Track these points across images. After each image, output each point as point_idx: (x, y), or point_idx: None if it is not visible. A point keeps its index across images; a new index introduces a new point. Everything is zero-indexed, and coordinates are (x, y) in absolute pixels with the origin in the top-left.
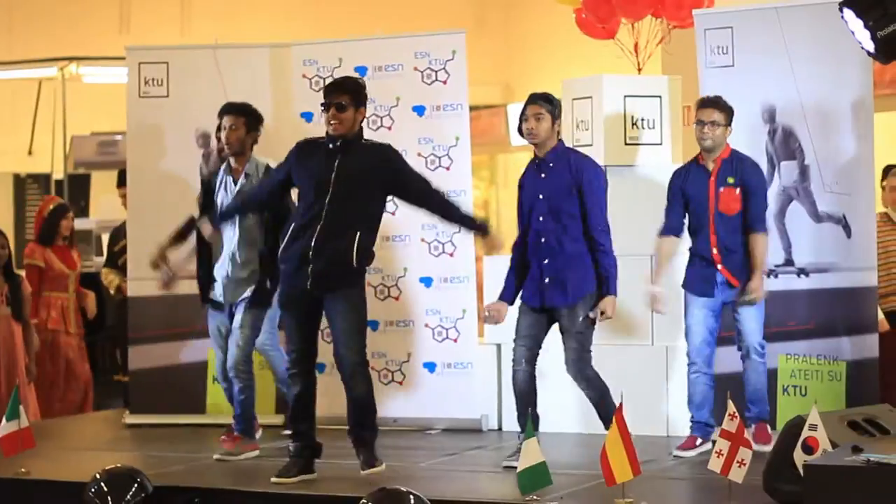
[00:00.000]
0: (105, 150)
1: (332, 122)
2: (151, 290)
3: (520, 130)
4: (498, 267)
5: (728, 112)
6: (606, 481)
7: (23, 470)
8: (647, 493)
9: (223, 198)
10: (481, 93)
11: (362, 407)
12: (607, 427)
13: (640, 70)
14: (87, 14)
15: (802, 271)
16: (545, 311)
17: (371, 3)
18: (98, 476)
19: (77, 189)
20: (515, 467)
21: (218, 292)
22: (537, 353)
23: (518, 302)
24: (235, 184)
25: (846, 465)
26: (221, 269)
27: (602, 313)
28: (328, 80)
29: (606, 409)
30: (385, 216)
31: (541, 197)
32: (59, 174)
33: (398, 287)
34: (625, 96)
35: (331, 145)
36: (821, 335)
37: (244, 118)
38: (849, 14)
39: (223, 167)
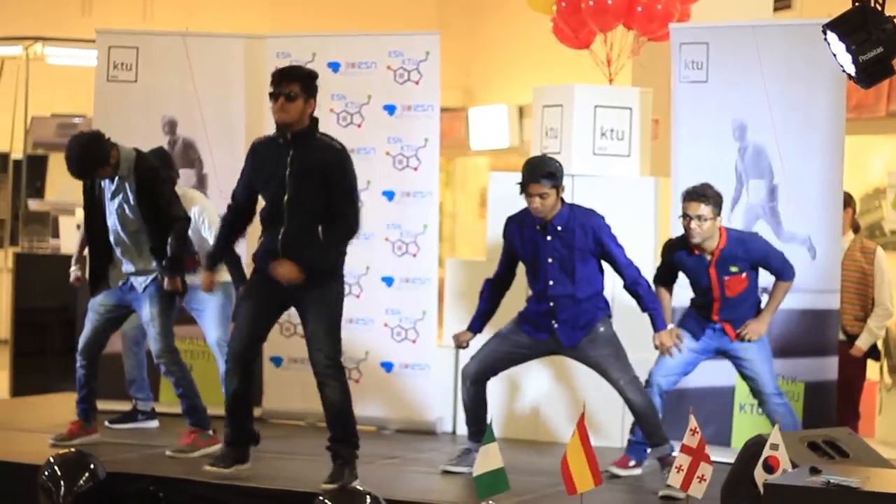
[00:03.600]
0: (64, 131)
1: (279, 111)
2: None
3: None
4: (460, 270)
5: (716, 202)
6: (567, 490)
7: None
8: (608, 503)
9: (104, 196)
10: (442, 95)
11: (336, 416)
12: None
13: (611, 81)
14: None
15: (765, 290)
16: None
17: (334, 3)
18: (52, 460)
19: (34, 170)
20: (454, 472)
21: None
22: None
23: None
24: (112, 182)
25: (807, 485)
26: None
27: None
28: None
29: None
30: None
31: (550, 261)
32: (17, 154)
33: (359, 285)
34: (595, 106)
35: (281, 140)
36: (780, 355)
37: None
38: (832, 36)
39: None
